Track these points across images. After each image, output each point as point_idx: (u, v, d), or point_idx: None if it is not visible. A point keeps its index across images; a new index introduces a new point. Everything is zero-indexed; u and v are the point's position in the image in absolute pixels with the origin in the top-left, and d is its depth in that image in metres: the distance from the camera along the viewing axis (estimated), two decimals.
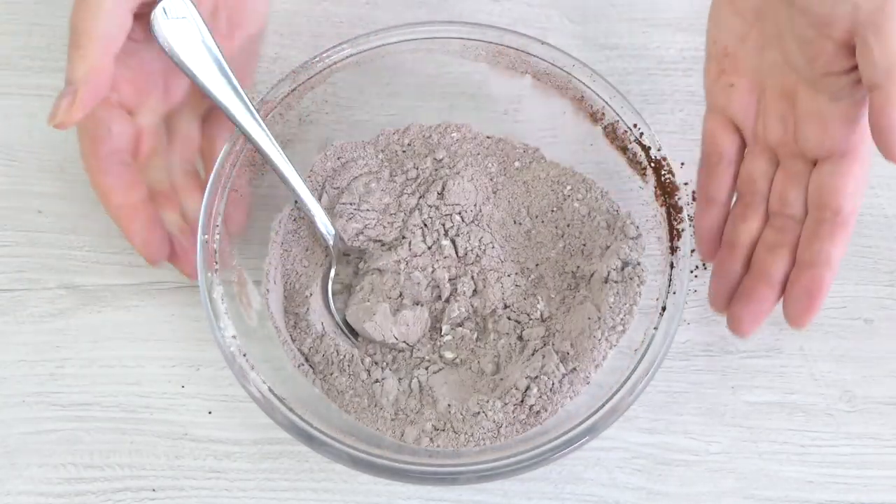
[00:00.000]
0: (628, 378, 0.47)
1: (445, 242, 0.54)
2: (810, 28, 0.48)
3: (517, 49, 0.54)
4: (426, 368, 0.52)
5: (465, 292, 0.54)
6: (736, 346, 0.55)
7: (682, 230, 0.49)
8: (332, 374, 0.50)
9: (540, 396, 0.48)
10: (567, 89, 0.54)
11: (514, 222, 0.56)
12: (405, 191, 0.56)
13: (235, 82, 0.50)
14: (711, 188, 0.52)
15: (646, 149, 0.52)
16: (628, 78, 0.62)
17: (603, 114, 0.54)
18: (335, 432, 0.46)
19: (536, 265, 0.54)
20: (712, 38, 0.54)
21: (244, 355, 0.47)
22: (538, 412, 0.48)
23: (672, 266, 0.49)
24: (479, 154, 0.57)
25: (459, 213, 0.55)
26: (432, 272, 0.54)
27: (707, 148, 0.53)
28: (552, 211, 0.55)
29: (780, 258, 0.50)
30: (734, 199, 0.52)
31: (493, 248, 0.54)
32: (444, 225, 0.55)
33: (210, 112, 0.55)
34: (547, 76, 0.54)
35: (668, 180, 0.51)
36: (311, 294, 0.52)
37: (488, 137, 0.58)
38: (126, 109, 0.53)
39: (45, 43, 0.62)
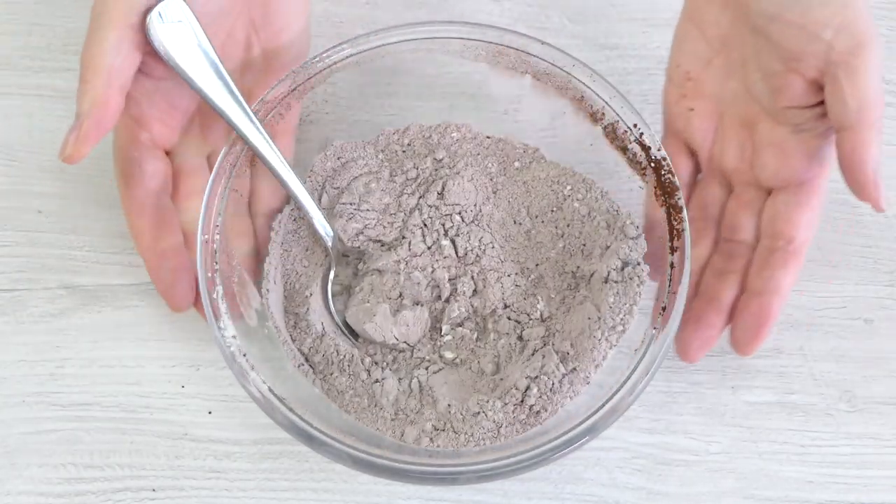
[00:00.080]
0: (628, 378, 0.47)
1: (445, 242, 0.54)
2: (778, 61, 0.49)
3: (517, 49, 0.54)
4: (426, 368, 0.52)
5: (465, 292, 0.54)
6: None
7: (682, 230, 0.49)
8: (332, 374, 0.50)
9: (540, 396, 0.48)
10: (567, 89, 0.54)
11: (514, 222, 0.56)
12: (405, 191, 0.56)
13: (232, 85, 0.50)
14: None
15: (646, 149, 0.52)
16: (628, 78, 0.62)
17: (603, 114, 0.54)
18: (335, 432, 0.46)
19: (536, 265, 0.54)
20: (675, 61, 0.54)
21: (244, 355, 0.47)
22: (538, 412, 0.48)
23: (672, 266, 0.49)
24: (479, 154, 0.57)
25: (459, 213, 0.55)
26: (432, 272, 0.54)
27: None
28: (552, 211, 0.55)
29: (729, 284, 0.51)
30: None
31: (493, 248, 0.54)
32: (444, 225, 0.55)
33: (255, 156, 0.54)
34: (547, 76, 0.54)
35: (668, 180, 0.51)
36: (311, 294, 0.52)
37: (488, 137, 0.57)
38: (163, 149, 0.53)
39: (45, 43, 0.62)
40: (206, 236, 0.49)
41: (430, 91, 0.59)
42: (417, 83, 0.59)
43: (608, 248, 0.52)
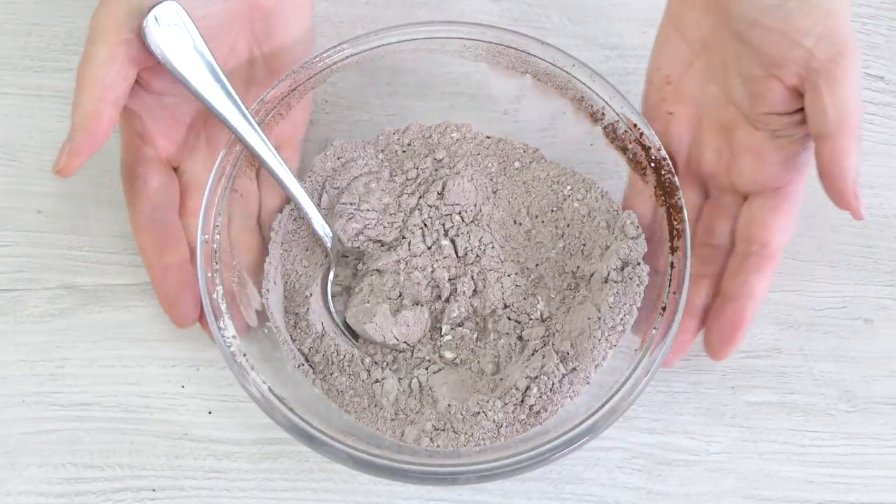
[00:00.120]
0: (628, 378, 0.47)
1: (445, 242, 0.54)
2: (759, 67, 0.49)
3: (517, 49, 0.54)
4: (426, 368, 0.52)
5: (464, 292, 0.54)
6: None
7: (683, 230, 0.49)
8: (332, 374, 0.50)
9: (540, 396, 0.48)
10: (567, 89, 0.54)
11: (514, 222, 0.56)
12: (405, 191, 0.56)
13: (230, 87, 0.50)
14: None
15: (646, 149, 0.52)
16: (628, 78, 0.62)
17: (603, 114, 0.53)
18: (335, 432, 0.46)
19: (536, 265, 0.54)
20: (656, 64, 0.54)
21: (244, 355, 0.47)
22: (538, 412, 0.48)
23: (672, 266, 0.49)
24: (479, 154, 0.57)
25: (459, 213, 0.55)
26: (432, 272, 0.54)
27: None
28: (552, 211, 0.55)
29: (703, 289, 0.51)
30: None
31: (492, 248, 0.54)
32: (443, 225, 0.55)
33: (261, 167, 0.54)
34: (547, 76, 0.54)
35: (668, 180, 0.51)
36: (311, 294, 0.52)
37: (488, 137, 0.57)
38: (168, 164, 0.53)
39: (45, 43, 0.62)
40: (206, 236, 0.49)
41: (430, 91, 0.59)
42: (417, 83, 0.59)
43: (608, 248, 0.52)
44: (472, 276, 0.54)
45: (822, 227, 0.58)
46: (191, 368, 0.54)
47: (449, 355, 0.52)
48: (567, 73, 0.54)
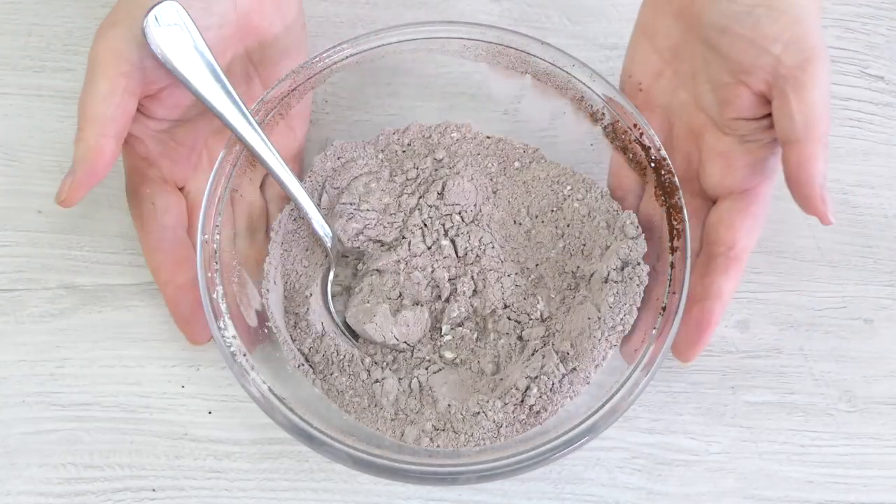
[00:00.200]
0: (628, 378, 0.47)
1: (445, 242, 0.54)
2: (727, 74, 0.49)
3: (517, 49, 0.54)
4: (426, 368, 0.52)
5: (464, 292, 0.54)
6: (736, 347, 0.55)
7: (683, 230, 0.49)
8: (332, 374, 0.50)
9: (540, 396, 0.48)
10: (567, 89, 0.54)
11: (514, 222, 0.56)
12: (405, 191, 0.56)
13: (230, 87, 0.50)
14: None
15: (646, 149, 0.52)
16: None
17: (603, 114, 0.54)
18: (335, 432, 0.46)
19: (536, 265, 0.54)
20: (627, 71, 0.55)
21: (244, 355, 0.47)
22: (538, 412, 0.48)
23: (672, 266, 0.49)
24: (479, 154, 0.57)
25: (459, 213, 0.55)
26: (432, 272, 0.54)
27: (612, 182, 0.54)
28: (552, 211, 0.55)
29: None
30: None
31: (492, 248, 0.54)
32: (443, 225, 0.55)
33: (265, 178, 0.54)
34: (547, 76, 0.54)
35: (668, 180, 0.51)
36: (311, 294, 0.52)
37: (488, 137, 0.57)
38: (175, 185, 0.53)
39: (45, 43, 0.62)
40: (206, 236, 0.49)
41: (430, 91, 0.59)
42: (417, 83, 0.59)
43: (608, 248, 0.52)
44: (472, 276, 0.54)
45: (822, 228, 0.58)
46: (191, 368, 0.54)
47: (449, 355, 0.52)
48: (567, 73, 0.54)
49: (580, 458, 0.52)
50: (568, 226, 0.54)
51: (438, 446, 0.48)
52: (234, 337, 0.48)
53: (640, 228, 0.52)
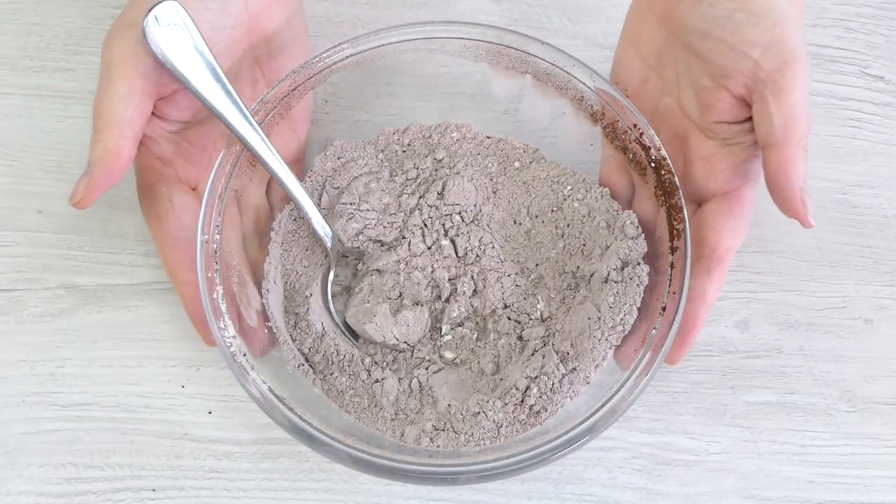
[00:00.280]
0: (628, 378, 0.47)
1: (445, 242, 0.54)
2: (708, 77, 0.50)
3: (517, 49, 0.54)
4: (426, 368, 0.52)
5: (465, 292, 0.54)
6: (736, 347, 0.55)
7: (683, 230, 0.49)
8: (332, 374, 0.50)
9: (540, 396, 0.48)
10: (567, 89, 0.54)
11: (514, 222, 0.56)
12: (405, 191, 0.56)
13: (230, 87, 0.50)
14: None
15: (646, 149, 0.52)
16: None
17: (603, 114, 0.54)
18: (335, 432, 0.46)
19: (536, 265, 0.54)
20: (614, 78, 0.56)
21: (244, 355, 0.47)
22: (538, 412, 0.48)
23: (672, 266, 0.49)
24: (479, 154, 0.57)
25: (459, 213, 0.55)
26: (432, 272, 0.54)
27: (601, 184, 0.54)
28: (552, 211, 0.55)
29: None
30: None
31: (492, 248, 0.54)
32: (443, 225, 0.55)
33: (271, 181, 0.54)
34: (547, 76, 0.54)
35: (668, 180, 0.51)
36: (311, 294, 0.52)
37: (488, 137, 0.57)
38: (189, 185, 0.53)
39: (45, 43, 0.62)
40: (206, 236, 0.49)
41: (430, 91, 0.59)
42: (417, 83, 0.59)
43: (608, 248, 0.52)
44: (472, 276, 0.54)
45: (822, 227, 0.58)
46: (191, 368, 0.54)
47: (449, 355, 0.52)
48: (567, 73, 0.54)
49: (580, 458, 0.52)
50: (568, 226, 0.54)
51: (438, 446, 0.48)
52: (233, 337, 0.48)
53: (640, 228, 0.52)
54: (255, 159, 0.51)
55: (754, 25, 0.47)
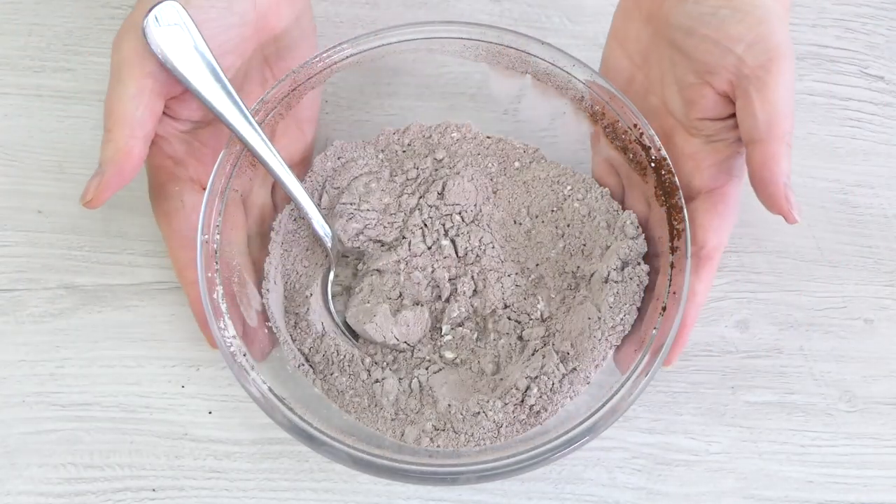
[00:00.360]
0: (628, 378, 0.47)
1: (445, 242, 0.55)
2: (692, 74, 0.50)
3: (517, 49, 0.54)
4: (426, 368, 0.52)
5: (465, 292, 0.54)
6: (736, 347, 0.55)
7: (683, 230, 0.49)
8: (332, 374, 0.50)
9: (540, 396, 0.48)
10: (567, 89, 0.54)
11: (514, 222, 0.56)
12: (405, 191, 0.56)
13: (230, 87, 0.50)
14: None
15: (646, 149, 0.52)
16: None
17: (603, 114, 0.54)
18: (335, 432, 0.46)
19: (536, 265, 0.54)
20: None
21: (244, 355, 0.47)
22: (538, 412, 0.48)
23: (672, 266, 0.49)
24: (479, 154, 0.57)
25: (459, 213, 0.55)
26: (432, 272, 0.54)
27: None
28: (552, 211, 0.55)
29: None
30: None
31: (493, 248, 0.54)
32: (444, 225, 0.55)
33: (275, 182, 0.54)
34: (547, 76, 0.54)
35: (668, 180, 0.51)
36: (311, 294, 0.52)
37: (488, 137, 0.57)
38: (200, 185, 0.53)
39: (45, 43, 0.62)
40: (206, 236, 0.49)
41: (430, 91, 0.59)
42: (417, 83, 0.59)
43: (608, 248, 0.52)
44: (473, 276, 0.54)
45: (822, 227, 0.58)
46: (191, 368, 0.54)
47: (449, 355, 0.52)
48: (567, 73, 0.54)
49: (580, 458, 0.52)
50: (568, 226, 0.54)
51: (438, 446, 0.48)
52: (233, 337, 0.48)
53: (640, 228, 0.52)
54: (255, 159, 0.51)
55: (739, 22, 0.47)
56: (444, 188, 0.55)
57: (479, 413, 0.48)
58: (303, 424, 0.46)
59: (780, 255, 0.57)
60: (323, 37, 0.61)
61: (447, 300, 0.54)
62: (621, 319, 0.50)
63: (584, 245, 0.54)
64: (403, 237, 0.55)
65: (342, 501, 0.51)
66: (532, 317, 0.53)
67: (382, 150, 0.57)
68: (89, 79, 0.61)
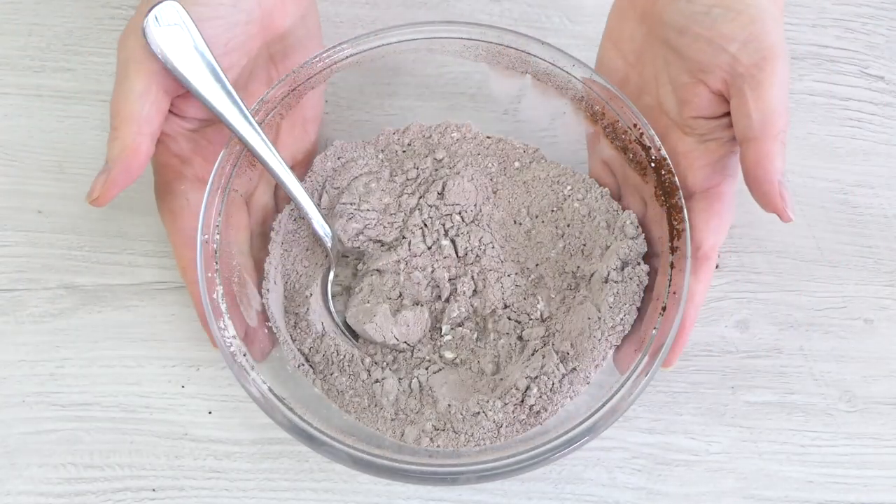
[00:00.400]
0: (628, 378, 0.47)
1: (445, 242, 0.55)
2: (686, 73, 0.50)
3: (517, 49, 0.54)
4: (426, 368, 0.52)
5: (465, 292, 0.54)
6: (736, 347, 0.55)
7: (683, 230, 0.49)
8: (332, 374, 0.50)
9: (540, 396, 0.48)
10: (567, 89, 0.54)
11: (514, 222, 0.56)
12: (405, 191, 0.56)
13: (230, 87, 0.50)
14: None
15: (646, 149, 0.52)
16: None
17: (603, 114, 0.54)
18: (335, 432, 0.46)
19: (536, 265, 0.54)
20: None
21: (244, 355, 0.47)
22: (538, 412, 0.48)
23: (672, 266, 0.49)
24: (479, 154, 0.57)
25: (459, 213, 0.55)
26: (432, 272, 0.54)
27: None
28: (552, 211, 0.55)
29: None
30: None
31: (493, 248, 0.54)
32: (444, 225, 0.55)
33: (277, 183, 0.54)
34: (547, 76, 0.54)
35: (668, 180, 0.51)
36: (311, 294, 0.52)
37: (488, 137, 0.57)
38: (205, 184, 0.52)
39: (45, 43, 0.62)
40: (206, 236, 0.49)
41: (430, 91, 0.59)
42: (417, 83, 0.59)
43: (608, 248, 0.52)
44: (472, 276, 0.54)
45: (822, 227, 0.58)
46: (191, 368, 0.54)
47: (449, 355, 0.52)
48: (567, 73, 0.54)
49: (580, 458, 0.52)
50: (568, 226, 0.54)
51: (438, 446, 0.48)
52: (233, 337, 0.48)
53: (639, 228, 0.52)
54: (255, 159, 0.51)
55: (732, 21, 0.47)
56: (444, 188, 0.55)
57: (479, 413, 0.48)
58: (303, 424, 0.46)
59: (780, 255, 0.57)
60: (323, 37, 0.61)
61: (447, 300, 0.54)
62: (621, 319, 0.50)
63: (584, 245, 0.54)
64: (403, 237, 0.55)
65: (342, 501, 0.51)
66: (532, 317, 0.53)
67: (382, 150, 0.57)
68: (89, 79, 0.61)
